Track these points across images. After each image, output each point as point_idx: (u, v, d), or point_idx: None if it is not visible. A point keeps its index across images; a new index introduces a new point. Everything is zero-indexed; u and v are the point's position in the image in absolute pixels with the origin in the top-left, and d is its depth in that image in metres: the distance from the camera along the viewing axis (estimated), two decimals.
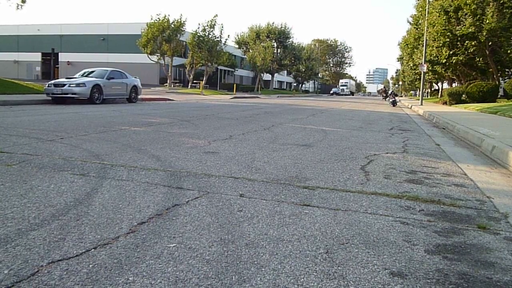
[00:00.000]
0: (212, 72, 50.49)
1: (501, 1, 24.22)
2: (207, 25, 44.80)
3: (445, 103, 31.49)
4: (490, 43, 25.63)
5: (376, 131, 10.08)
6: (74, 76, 18.07)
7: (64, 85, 16.17)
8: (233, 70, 66.32)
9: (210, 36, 44.86)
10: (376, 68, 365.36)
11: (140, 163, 4.75)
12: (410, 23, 43.70)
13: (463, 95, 28.42)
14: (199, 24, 45.26)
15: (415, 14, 39.50)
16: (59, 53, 59.98)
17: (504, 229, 3.01)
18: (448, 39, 27.35)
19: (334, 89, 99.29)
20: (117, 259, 2.22)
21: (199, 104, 20.27)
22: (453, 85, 43.97)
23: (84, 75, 18.32)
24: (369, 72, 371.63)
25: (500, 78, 32.57)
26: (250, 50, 63.38)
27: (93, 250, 2.33)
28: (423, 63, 30.22)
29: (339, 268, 2.25)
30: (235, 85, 51.04)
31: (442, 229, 2.94)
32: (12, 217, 2.81)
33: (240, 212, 3.12)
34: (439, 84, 57.16)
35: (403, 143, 7.88)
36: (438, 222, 3.09)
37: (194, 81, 49.15)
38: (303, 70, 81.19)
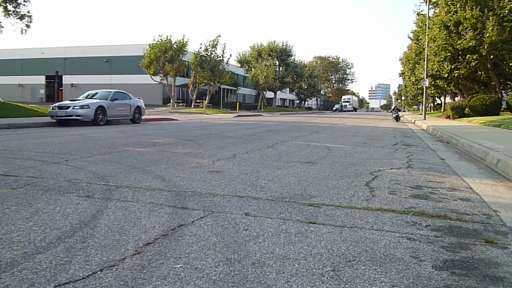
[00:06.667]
0: (215, 91, 50.84)
1: (501, 15, 24.40)
2: (210, 45, 45.31)
3: (448, 117, 31.50)
4: (491, 56, 25.73)
5: (380, 146, 10.07)
6: (78, 98, 18.24)
7: (68, 107, 16.36)
8: (235, 88, 66.81)
9: (212, 55, 45.32)
10: (379, 84, 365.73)
11: (145, 184, 4.76)
12: (411, 38, 43.98)
13: (466, 109, 28.46)
14: (201, 44, 45.70)
15: (415, 30, 39.81)
16: (63, 76, 60.64)
17: (511, 243, 2.98)
18: (449, 54, 27.49)
19: (336, 106, 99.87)
20: (124, 281, 2.22)
21: (202, 123, 20.35)
22: (456, 99, 44.02)
23: (88, 97, 18.52)
24: (372, 88, 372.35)
25: (503, 91, 32.64)
26: (252, 69, 63.83)
27: (99, 272, 2.32)
28: (425, 77, 30.38)
29: (346, 286, 2.23)
30: (238, 103, 51.28)
31: (449, 244, 2.92)
32: (18, 240, 2.81)
33: (246, 231, 3.11)
34: (442, 98, 57.24)
35: (408, 158, 7.87)
36: (445, 237, 3.07)
37: (197, 101, 49.49)
38: (306, 87, 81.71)
